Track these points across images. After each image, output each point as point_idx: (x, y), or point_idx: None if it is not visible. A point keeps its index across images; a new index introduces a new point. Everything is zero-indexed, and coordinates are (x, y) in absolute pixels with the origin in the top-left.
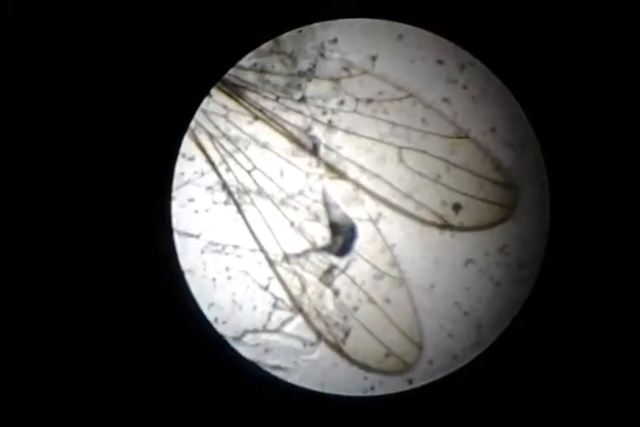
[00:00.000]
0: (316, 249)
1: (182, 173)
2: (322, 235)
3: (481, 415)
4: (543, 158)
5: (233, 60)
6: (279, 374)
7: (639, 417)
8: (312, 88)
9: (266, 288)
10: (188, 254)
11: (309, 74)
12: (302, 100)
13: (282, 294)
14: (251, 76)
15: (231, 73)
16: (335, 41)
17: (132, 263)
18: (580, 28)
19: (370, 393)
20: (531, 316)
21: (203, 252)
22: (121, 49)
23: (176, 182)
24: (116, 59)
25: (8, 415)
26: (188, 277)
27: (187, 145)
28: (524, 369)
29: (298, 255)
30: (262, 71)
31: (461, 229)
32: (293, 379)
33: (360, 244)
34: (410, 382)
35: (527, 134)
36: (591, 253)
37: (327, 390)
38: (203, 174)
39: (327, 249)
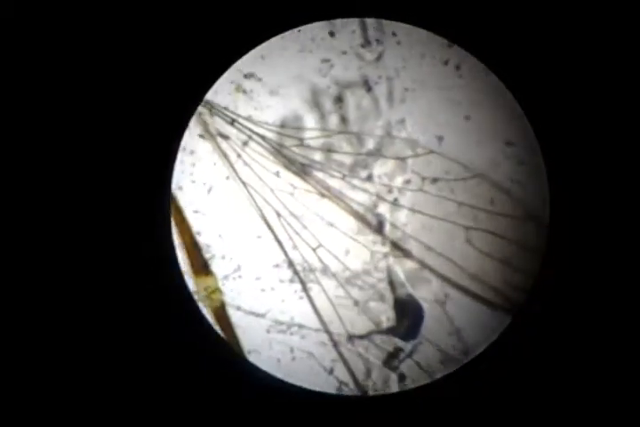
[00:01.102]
0: (380, 331)
1: (250, 252)
2: (387, 315)
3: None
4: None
5: (232, 60)
6: None
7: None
8: (378, 167)
9: (330, 372)
10: (254, 334)
11: (376, 153)
12: (368, 178)
13: (346, 377)
14: (318, 156)
15: (299, 152)
16: (402, 121)
17: (132, 264)
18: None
19: None
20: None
21: (268, 331)
22: (121, 46)
23: (242, 261)
24: (116, 57)
25: (8, 416)
26: (253, 357)
27: (255, 224)
28: (523, 371)
29: (362, 337)
30: (329, 150)
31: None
32: None
33: (426, 326)
34: None
35: None
36: (591, 259)
37: None
38: (269, 252)
39: (392, 331)
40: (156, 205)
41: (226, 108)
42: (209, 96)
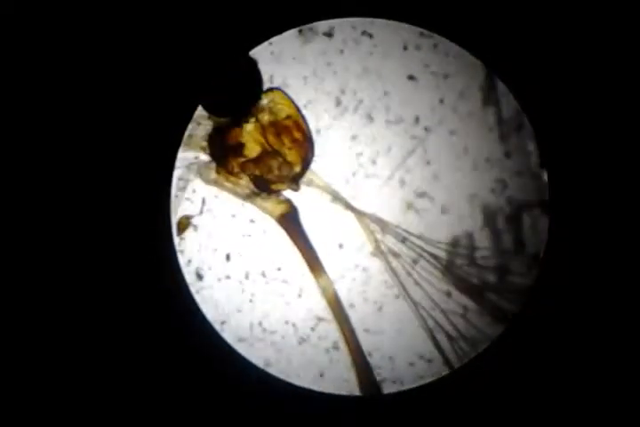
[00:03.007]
0: None
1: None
2: None
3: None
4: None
5: (231, 61)
6: None
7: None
8: None
9: None
10: None
11: None
12: None
13: None
14: (491, 277)
15: (471, 272)
16: None
17: (132, 265)
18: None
19: None
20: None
21: None
22: (122, 46)
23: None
24: (116, 56)
25: (8, 416)
26: None
27: (424, 345)
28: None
29: None
30: (504, 271)
31: None
32: None
33: None
34: None
35: None
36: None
37: None
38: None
39: None
40: (156, 207)
41: (397, 226)
42: (377, 213)
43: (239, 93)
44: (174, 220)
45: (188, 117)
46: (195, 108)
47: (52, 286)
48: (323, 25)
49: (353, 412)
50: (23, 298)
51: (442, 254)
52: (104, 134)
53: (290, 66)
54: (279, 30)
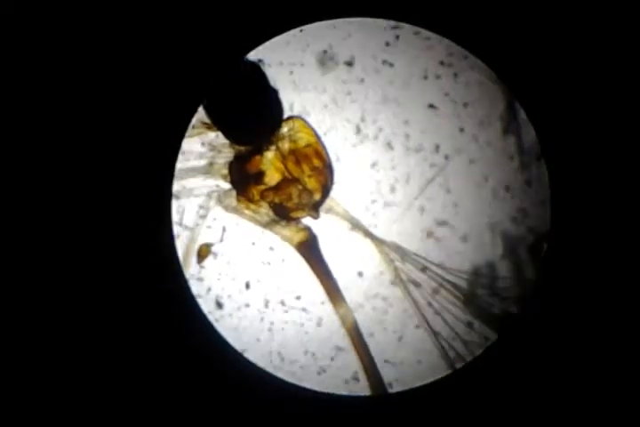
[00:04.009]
0: None
1: None
2: None
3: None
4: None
5: (232, 62)
6: None
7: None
8: None
9: None
10: None
11: None
12: None
13: None
14: (513, 307)
15: (493, 302)
16: None
17: (132, 265)
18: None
19: None
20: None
21: None
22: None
23: None
24: (117, 56)
25: (8, 416)
26: None
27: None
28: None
29: None
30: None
31: None
32: None
33: None
34: None
35: None
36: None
37: None
38: None
39: None
40: (157, 208)
41: (417, 255)
42: (397, 241)
43: (260, 122)
44: (195, 248)
45: (188, 119)
46: (194, 112)
47: (52, 285)
48: (343, 54)
49: None
50: (25, 297)
51: (463, 284)
52: (103, 136)
53: (310, 94)
54: (279, 30)
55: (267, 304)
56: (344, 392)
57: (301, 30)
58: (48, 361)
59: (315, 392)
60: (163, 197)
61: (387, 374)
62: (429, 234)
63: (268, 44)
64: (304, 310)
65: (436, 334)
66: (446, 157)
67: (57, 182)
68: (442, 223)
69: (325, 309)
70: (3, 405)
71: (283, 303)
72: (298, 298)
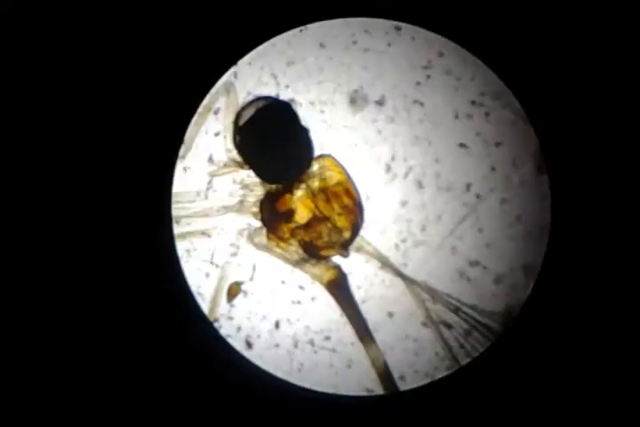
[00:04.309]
0: None
1: None
2: None
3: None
4: None
5: (232, 61)
6: None
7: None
8: None
9: None
10: None
11: None
12: None
13: None
14: None
15: None
16: None
17: (132, 264)
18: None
19: None
20: None
21: None
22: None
23: None
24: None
25: (7, 416)
26: None
27: None
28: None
29: None
30: None
31: None
32: None
33: None
34: None
35: None
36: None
37: None
38: None
39: None
40: (157, 206)
41: (449, 296)
42: (428, 281)
43: (291, 161)
44: (225, 286)
45: (188, 118)
46: (194, 112)
47: (52, 285)
48: (374, 93)
49: None
50: (24, 297)
51: (495, 326)
52: (103, 136)
53: (341, 133)
54: (279, 30)
55: (296, 344)
56: None
57: (301, 30)
58: (56, 364)
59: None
60: (162, 197)
61: None
62: (461, 274)
63: (300, 83)
64: (334, 350)
65: None
66: (478, 197)
67: (57, 182)
68: (474, 264)
69: (355, 350)
70: (2, 405)
71: (312, 344)
72: (327, 338)
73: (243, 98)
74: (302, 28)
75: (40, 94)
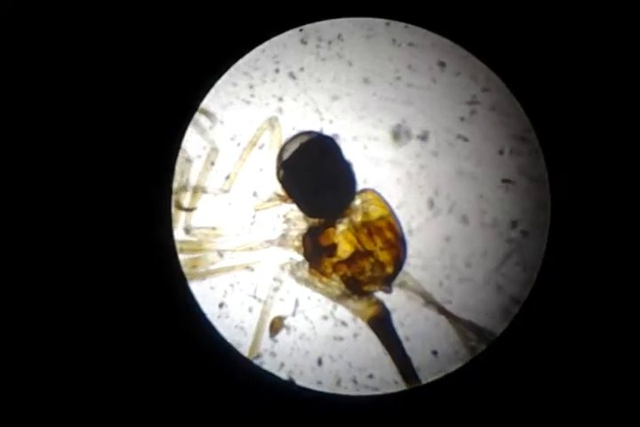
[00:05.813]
0: None
1: None
2: None
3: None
4: None
5: (232, 60)
6: None
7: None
8: None
9: None
10: None
11: None
12: None
13: None
14: None
15: None
16: None
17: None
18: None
19: None
20: None
21: None
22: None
23: None
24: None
25: (7, 416)
26: None
27: None
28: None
29: None
30: None
31: None
32: None
33: None
34: None
35: None
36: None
37: None
38: None
39: None
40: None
41: (493, 334)
42: (473, 319)
43: (334, 195)
44: (267, 320)
45: (188, 118)
46: (194, 111)
47: (51, 284)
48: (417, 128)
49: None
50: (22, 297)
51: None
52: (102, 136)
53: (383, 168)
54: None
55: (339, 382)
56: None
57: (301, 30)
58: (57, 364)
59: None
60: (162, 197)
61: None
62: (507, 313)
63: (344, 118)
64: (376, 389)
65: None
66: (523, 233)
67: (57, 182)
68: (519, 302)
69: (399, 389)
70: (2, 405)
71: (355, 381)
72: (370, 377)
73: (287, 133)
74: (301, 27)
75: (40, 94)
